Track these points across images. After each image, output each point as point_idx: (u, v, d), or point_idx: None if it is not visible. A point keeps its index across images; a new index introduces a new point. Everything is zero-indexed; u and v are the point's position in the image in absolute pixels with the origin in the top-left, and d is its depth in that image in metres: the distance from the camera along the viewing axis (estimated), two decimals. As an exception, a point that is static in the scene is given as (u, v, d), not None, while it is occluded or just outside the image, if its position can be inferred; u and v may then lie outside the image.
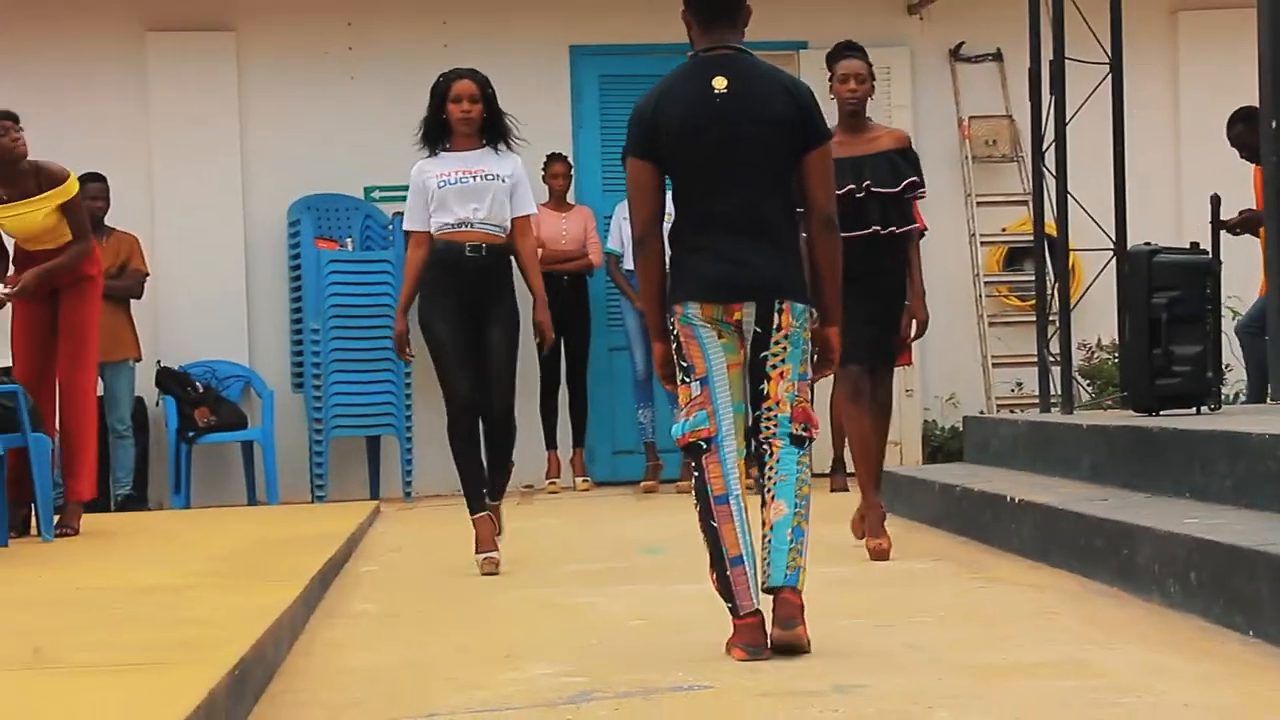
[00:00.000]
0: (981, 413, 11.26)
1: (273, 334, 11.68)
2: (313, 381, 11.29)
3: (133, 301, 11.04)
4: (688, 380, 5.19)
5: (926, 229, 7.88)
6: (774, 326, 5.16)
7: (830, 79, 7.39)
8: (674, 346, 5.21)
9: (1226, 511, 6.07)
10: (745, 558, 5.14)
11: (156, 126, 11.64)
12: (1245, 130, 9.28)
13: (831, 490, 10.52)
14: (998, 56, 12.17)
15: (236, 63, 11.72)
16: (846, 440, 7.43)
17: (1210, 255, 8.07)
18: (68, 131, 11.58)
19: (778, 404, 5.20)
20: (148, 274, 11.12)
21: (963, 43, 12.20)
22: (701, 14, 5.23)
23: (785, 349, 5.17)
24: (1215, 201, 8.53)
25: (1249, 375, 9.82)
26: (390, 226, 11.39)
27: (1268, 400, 8.64)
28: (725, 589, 5.16)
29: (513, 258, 7.51)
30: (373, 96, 11.48)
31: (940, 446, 11.74)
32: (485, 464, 7.47)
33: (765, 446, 5.20)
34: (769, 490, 5.19)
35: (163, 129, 11.66)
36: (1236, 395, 10.72)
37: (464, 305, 7.35)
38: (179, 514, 10.57)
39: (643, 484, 11.23)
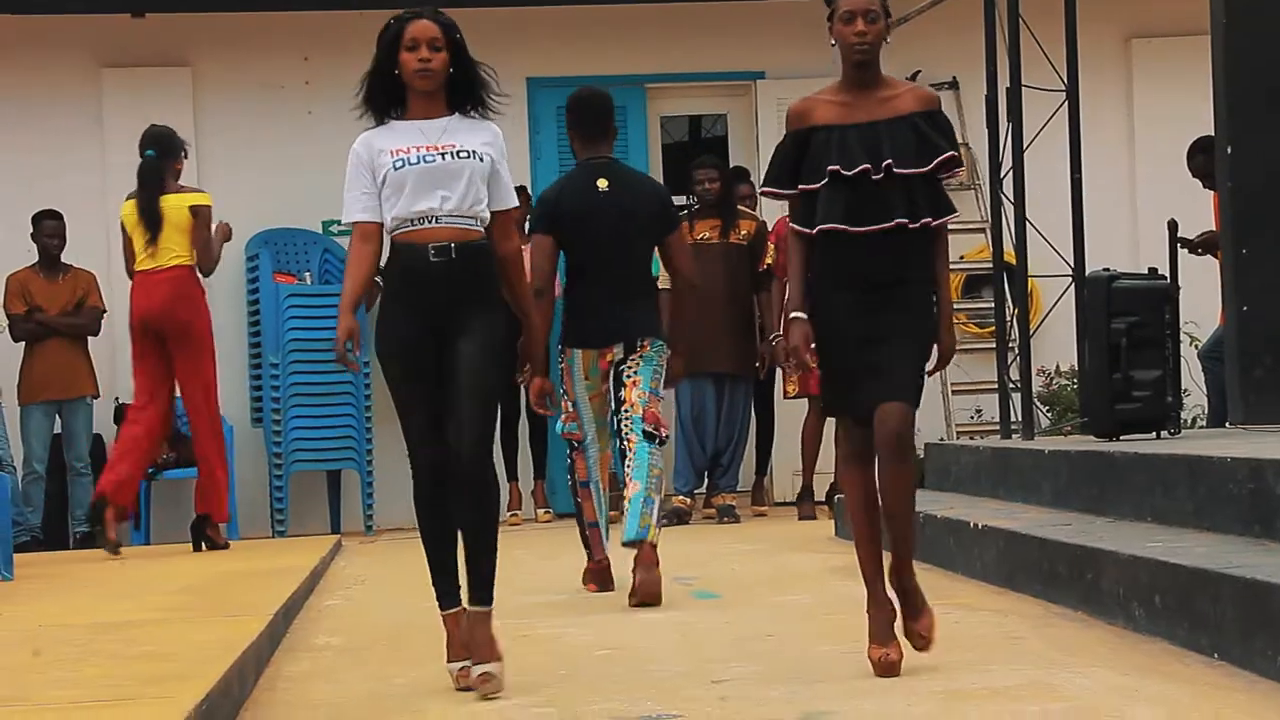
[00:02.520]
0: (942, 439, 11.29)
1: (231, 369, 11.59)
2: (272, 416, 11.25)
3: (90, 338, 11.00)
4: (566, 400, 7.27)
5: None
6: (635, 352, 7.12)
7: (829, 19, 5.36)
8: (561, 376, 7.23)
9: (1189, 535, 6.09)
10: (600, 523, 7.39)
11: (113, 162, 11.59)
12: (1206, 160, 9.36)
13: (799, 518, 10.50)
14: (954, 85, 12.23)
15: (192, 98, 11.71)
16: (843, 492, 5.53)
17: (1168, 280, 8.12)
18: (23, 167, 11.56)
19: (632, 407, 7.10)
20: (105, 310, 11.09)
21: (919, 71, 12.24)
22: (583, 135, 7.33)
23: (638, 364, 7.12)
24: (1172, 227, 8.59)
25: (1209, 400, 9.88)
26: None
27: (1227, 425, 8.69)
28: (585, 542, 7.45)
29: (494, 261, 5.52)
30: (330, 130, 11.41)
31: (901, 474, 11.74)
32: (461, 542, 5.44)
33: (625, 443, 7.12)
34: (628, 475, 7.12)
35: (119, 165, 11.58)
36: (1195, 419, 10.77)
37: (432, 330, 5.35)
38: (139, 550, 10.50)
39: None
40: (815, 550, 8.77)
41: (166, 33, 11.66)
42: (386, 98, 5.49)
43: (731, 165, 11.70)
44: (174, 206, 9.40)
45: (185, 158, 9.67)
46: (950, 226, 13.20)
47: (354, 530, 11.38)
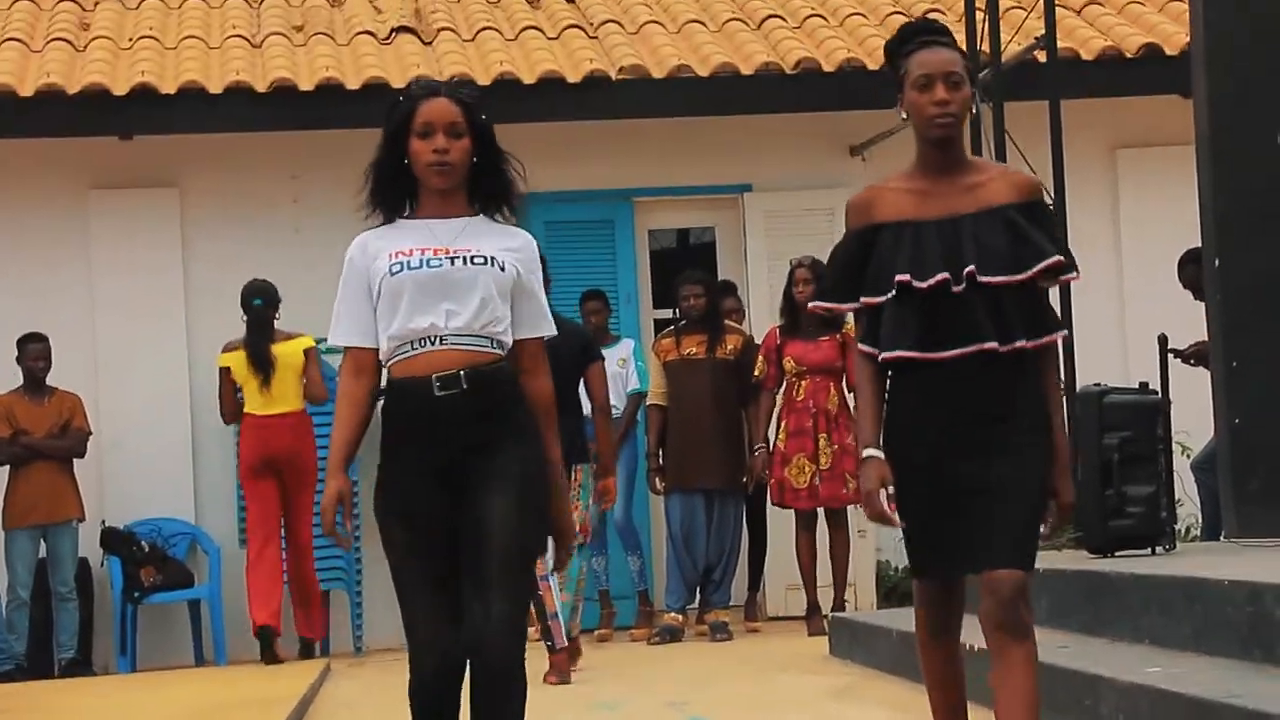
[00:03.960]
0: (935, 552, 11.19)
1: (220, 490, 11.55)
2: (261, 536, 11.14)
3: (76, 461, 10.94)
4: None
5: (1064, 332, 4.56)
6: (573, 480, 8.57)
7: (899, 84, 4.36)
8: None
9: (1188, 659, 6.01)
10: (560, 615, 8.52)
11: (100, 283, 11.58)
12: (1196, 271, 9.34)
13: (809, 634, 10.32)
14: (940, 196, 12.23)
15: (180, 218, 11.69)
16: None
17: (1159, 395, 8.09)
18: (9, 289, 11.53)
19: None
20: (90, 433, 11.02)
21: (904, 183, 12.27)
22: None
23: (578, 493, 8.73)
24: (1163, 341, 8.56)
25: (1203, 511, 9.81)
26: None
27: (1222, 538, 8.63)
28: (546, 633, 8.49)
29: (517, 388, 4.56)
30: (318, 249, 11.40)
31: (894, 587, 11.66)
32: None
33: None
34: (562, 586, 8.68)
35: (106, 286, 11.60)
36: (1189, 529, 10.71)
37: (445, 485, 4.38)
38: (125, 678, 10.38)
39: (597, 632, 11.11)
40: (811, 671, 8.67)
41: (153, 154, 11.65)
42: (396, 193, 4.51)
43: (719, 278, 11.70)
44: (289, 351, 10.54)
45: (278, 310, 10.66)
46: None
47: (343, 651, 11.26)
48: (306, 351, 10.58)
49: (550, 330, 4.60)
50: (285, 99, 11.40)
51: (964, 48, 9.90)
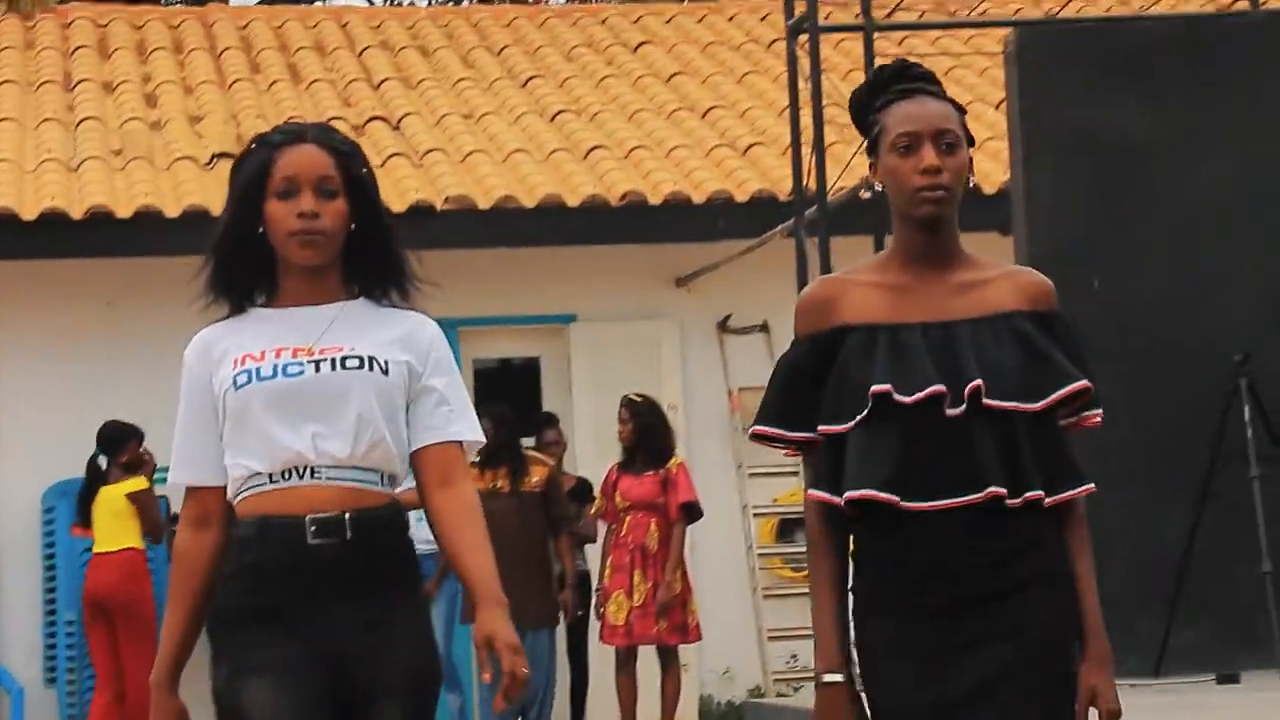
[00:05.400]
0: (759, 688, 11.14)
1: (25, 626, 11.19)
2: (66, 676, 10.82)
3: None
4: None
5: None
6: None
7: (873, 146, 3.25)
8: None
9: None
10: None
11: (-97, 409, 11.23)
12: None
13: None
14: (765, 328, 12.28)
15: (-12, 344, 11.40)
16: None
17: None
18: None
19: None
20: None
21: (730, 315, 12.31)
22: None
23: None
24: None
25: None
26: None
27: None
28: None
29: (415, 529, 3.55)
30: (134, 378, 11.15)
31: (717, 722, 11.58)
32: None
33: None
34: None
35: (-90, 412, 11.25)
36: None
37: (315, 671, 3.33)
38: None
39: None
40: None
41: (-37, 279, 11.37)
42: (247, 273, 3.43)
43: (543, 409, 11.63)
44: (112, 497, 10.32)
45: (140, 444, 10.32)
46: (764, 470, 12.91)
47: (153, 793, 10.88)
48: (129, 496, 10.25)
49: (474, 435, 3.44)
50: (102, 226, 11.18)
51: (797, 182, 9.97)
